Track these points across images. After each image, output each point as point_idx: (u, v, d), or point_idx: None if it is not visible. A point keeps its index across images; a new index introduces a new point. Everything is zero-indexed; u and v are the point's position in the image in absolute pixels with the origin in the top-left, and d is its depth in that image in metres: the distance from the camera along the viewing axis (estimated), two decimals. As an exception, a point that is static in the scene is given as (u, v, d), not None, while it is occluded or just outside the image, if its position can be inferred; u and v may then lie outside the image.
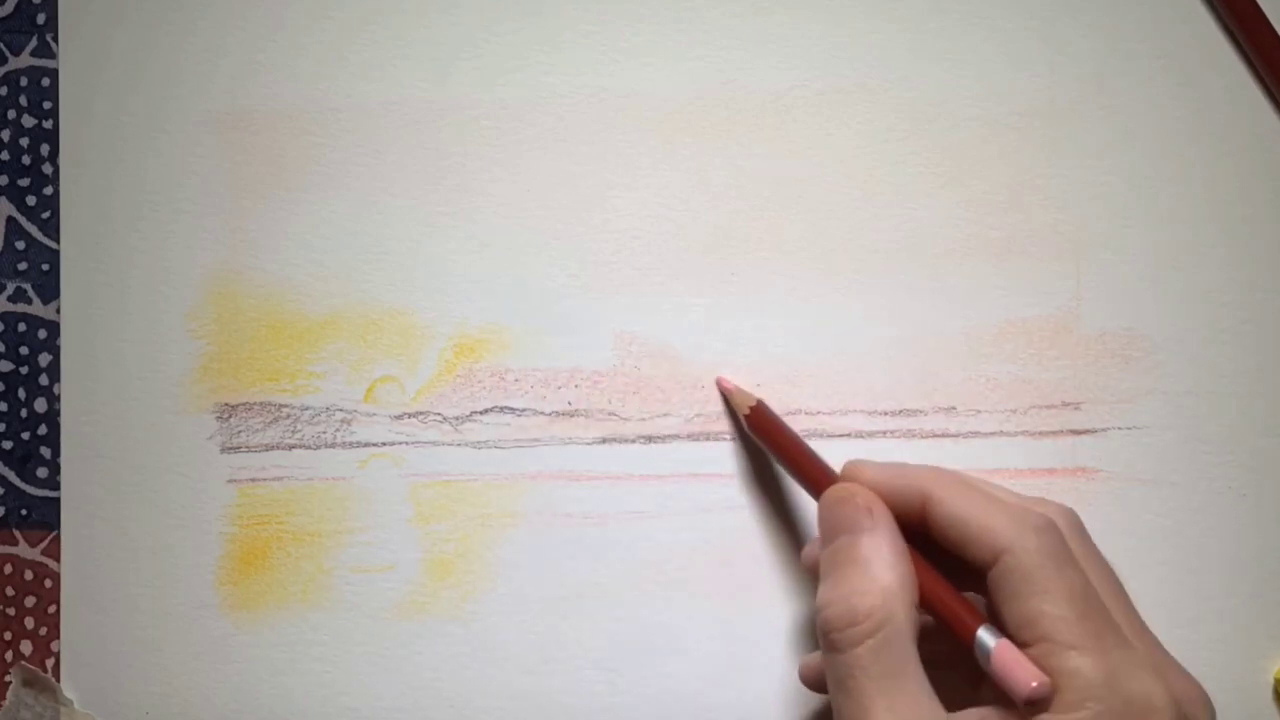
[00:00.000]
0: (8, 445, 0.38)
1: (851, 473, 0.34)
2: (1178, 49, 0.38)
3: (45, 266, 0.38)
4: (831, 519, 0.33)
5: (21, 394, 0.38)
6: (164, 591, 0.37)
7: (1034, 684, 0.29)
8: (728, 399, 0.37)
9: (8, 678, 0.37)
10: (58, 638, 0.37)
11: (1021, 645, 0.30)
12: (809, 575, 0.36)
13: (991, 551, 0.31)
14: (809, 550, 0.35)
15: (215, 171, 0.38)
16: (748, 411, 0.36)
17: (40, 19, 0.38)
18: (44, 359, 0.38)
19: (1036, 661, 0.29)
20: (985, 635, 0.30)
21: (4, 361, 0.38)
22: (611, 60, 0.38)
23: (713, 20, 0.38)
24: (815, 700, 0.37)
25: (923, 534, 0.32)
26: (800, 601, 0.37)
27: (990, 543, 0.31)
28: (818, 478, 0.34)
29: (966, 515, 0.31)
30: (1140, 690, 0.29)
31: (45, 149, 0.38)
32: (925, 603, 0.31)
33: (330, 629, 0.37)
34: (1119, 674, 0.29)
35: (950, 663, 0.32)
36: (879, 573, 0.31)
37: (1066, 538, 0.31)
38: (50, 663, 0.37)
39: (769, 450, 0.36)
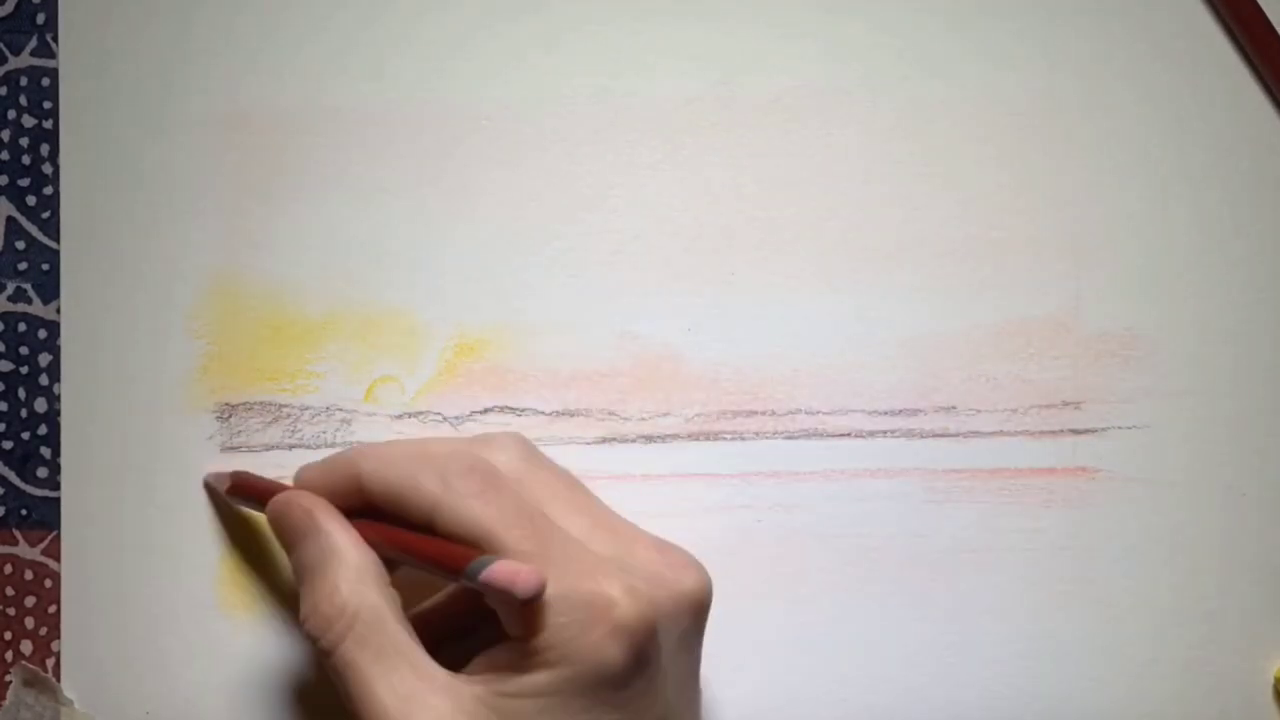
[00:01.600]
0: (8, 445, 0.38)
1: (299, 480, 0.34)
2: (1178, 49, 0.38)
3: (45, 266, 0.38)
4: (280, 533, 0.33)
5: (21, 394, 0.38)
6: (164, 591, 0.37)
7: (535, 578, 0.29)
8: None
9: (8, 678, 0.37)
10: (58, 638, 0.37)
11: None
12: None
13: (425, 511, 0.31)
14: None
15: (215, 171, 0.38)
16: (229, 485, 0.36)
17: (40, 19, 0.38)
18: (44, 359, 0.38)
19: None
20: (477, 563, 0.30)
21: (4, 361, 0.38)
22: (611, 60, 0.38)
23: (713, 20, 0.38)
24: (811, 701, 0.37)
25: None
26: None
27: (421, 503, 0.31)
28: (272, 493, 0.34)
29: (394, 482, 0.32)
30: (591, 589, 0.30)
31: (45, 149, 0.38)
32: (417, 561, 0.31)
33: (330, 629, 0.37)
34: (570, 583, 0.30)
35: (464, 633, 0.33)
36: (334, 570, 0.32)
37: (506, 464, 0.32)
38: (50, 663, 0.37)
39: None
